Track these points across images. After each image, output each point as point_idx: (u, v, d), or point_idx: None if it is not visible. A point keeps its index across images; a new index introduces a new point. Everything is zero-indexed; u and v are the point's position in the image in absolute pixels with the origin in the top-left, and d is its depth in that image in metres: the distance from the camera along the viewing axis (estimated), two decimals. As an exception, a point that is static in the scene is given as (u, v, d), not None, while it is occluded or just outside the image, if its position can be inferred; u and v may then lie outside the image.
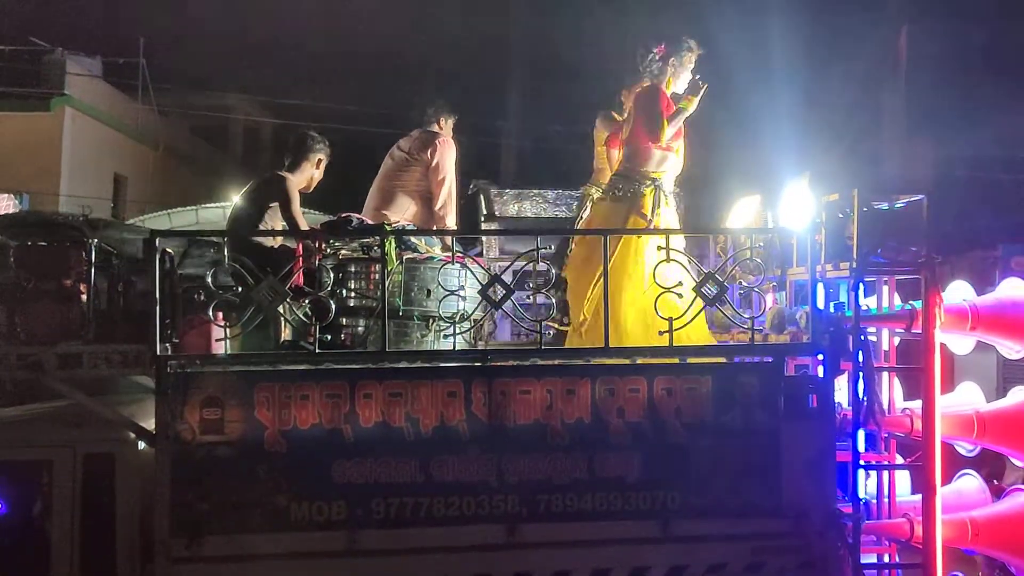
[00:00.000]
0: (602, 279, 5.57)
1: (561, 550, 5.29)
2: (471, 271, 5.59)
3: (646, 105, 6.53)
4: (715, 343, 6.14)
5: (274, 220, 6.37)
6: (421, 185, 6.97)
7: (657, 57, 6.62)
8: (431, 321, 5.73)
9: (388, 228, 6.16)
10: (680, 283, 5.53)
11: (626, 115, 6.85)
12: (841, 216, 5.85)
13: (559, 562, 5.29)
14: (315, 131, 6.98)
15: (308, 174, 6.73)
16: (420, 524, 5.23)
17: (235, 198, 11.57)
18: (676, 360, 5.55)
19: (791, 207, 6.42)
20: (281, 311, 5.39)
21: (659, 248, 5.60)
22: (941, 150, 19.84)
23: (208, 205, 17.86)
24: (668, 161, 6.55)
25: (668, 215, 6.49)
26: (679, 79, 6.67)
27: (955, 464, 6.33)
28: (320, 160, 6.77)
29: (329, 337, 5.49)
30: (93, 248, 5.59)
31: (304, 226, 6.31)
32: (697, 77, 6.65)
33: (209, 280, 5.17)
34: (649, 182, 6.48)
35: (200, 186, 20.80)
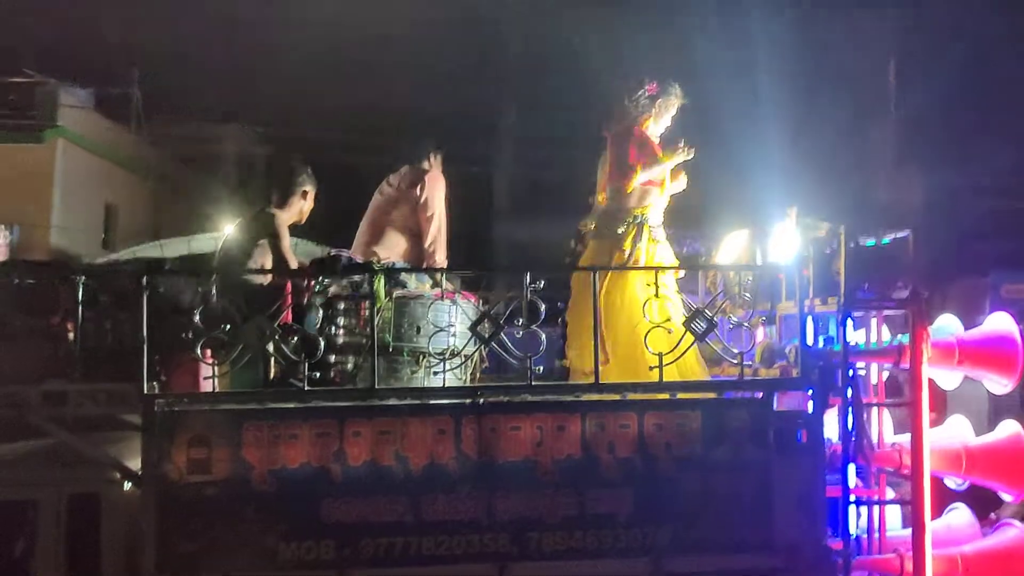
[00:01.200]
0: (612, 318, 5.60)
1: (552, 588, 5.27)
2: (461, 307, 5.59)
3: (619, 146, 6.61)
4: (706, 378, 6.13)
5: (264, 257, 6.36)
6: (410, 221, 6.94)
7: (647, 94, 6.68)
8: (421, 357, 5.72)
9: (377, 266, 6.19)
10: (669, 319, 5.54)
11: (605, 154, 6.89)
12: (828, 252, 5.88)
13: (550, 600, 5.27)
14: (301, 162, 6.95)
15: (297, 208, 6.72)
16: (410, 563, 5.20)
17: (227, 229, 11.61)
18: (666, 396, 5.55)
19: (780, 242, 6.44)
20: (270, 349, 5.36)
21: (647, 284, 5.61)
22: (930, 178, 19.99)
23: (200, 235, 17.88)
24: (651, 196, 6.59)
25: (656, 250, 6.51)
26: (660, 120, 6.78)
27: (946, 497, 6.33)
28: (307, 192, 6.76)
29: (318, 374, 5.47)
30: (81, 286, 5.61)
31: (294, 263, 6.30)
32: (683, 141, 6.71)
33: (198, 318, 5.16)
34: (631, 219, 6.51)
35: (192, 216, 20.79)
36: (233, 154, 22.78)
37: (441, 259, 6.91)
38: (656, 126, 6.78)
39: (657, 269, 5.78)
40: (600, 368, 5.56)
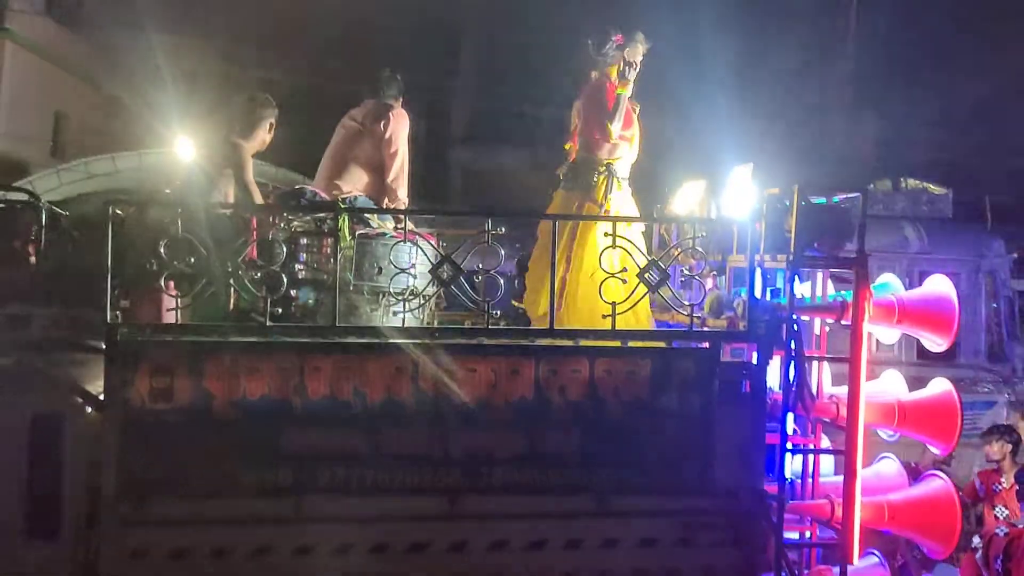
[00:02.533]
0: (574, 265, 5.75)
1: (500, 522, 5.49)
2: (421, 249, 5.70)
3: (594, 99, 6.76)
4: (657, 328, 6.33)
5: (228, 186, 6.40)
6: (373, 156, 6.99)
7: (615, 45, 6.80)
8: (381, 296, 5.84)
9: (342, 203, 6.27)
10: (624, 269, 5.71)
11: (577, 106, 7.00)
12: (780, 207, 6.05)
13: (497, 533, 5.49)
14: (263, 92, 6.96)
15: (260, 138, 6.75)
16: (365, 493, 5.38)
17: (183, 148, 11.51)
18: (617, 343, 5.74)
19: (734, 195, 6.61)
20: (233, 283, 5.45)
21: (606, 234, 5.77)
22: (886, 125, 20.31)
23: (152, 150, 17.66)
24: (620, 148, 6.75)
25: (620, 200, 6.69)
26: (632, 69, 6.85)
27: (877, 447, 6.65)
28: (272, 123, 6.79)
29: (280, 310, 5.57)
30: (44, 210, 5.63)
31: (257, 194, 6.35)
32: (624, 54, 6.82)
33: (162, 250, 5.22)
34: (603, 168, 6.67)
35: (144, 128, 20.46)
36: (188, 67, 22.31)
37: (403, 195, 7.00)
38: (629, 75, 6.86)
39: (615, 220, 5.92)
40: (558, 314, 5.73)
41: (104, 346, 5.24)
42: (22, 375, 5.47)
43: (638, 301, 5.72)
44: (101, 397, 5.35)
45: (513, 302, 6.93)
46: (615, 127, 6.70)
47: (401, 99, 7.23)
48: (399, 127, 7.04)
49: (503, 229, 5.56)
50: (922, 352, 8.52)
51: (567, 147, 6.94)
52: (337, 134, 7.17)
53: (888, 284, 6.35)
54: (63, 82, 20.87)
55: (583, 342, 5.75)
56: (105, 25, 21.79)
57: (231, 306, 5.89)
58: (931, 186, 11.51)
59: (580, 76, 7.08)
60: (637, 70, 6.80)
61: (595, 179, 6.70)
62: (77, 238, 5.87)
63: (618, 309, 5.59)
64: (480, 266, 5.56)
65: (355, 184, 6.93)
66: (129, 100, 20.18)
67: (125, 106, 21.10)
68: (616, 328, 5.63)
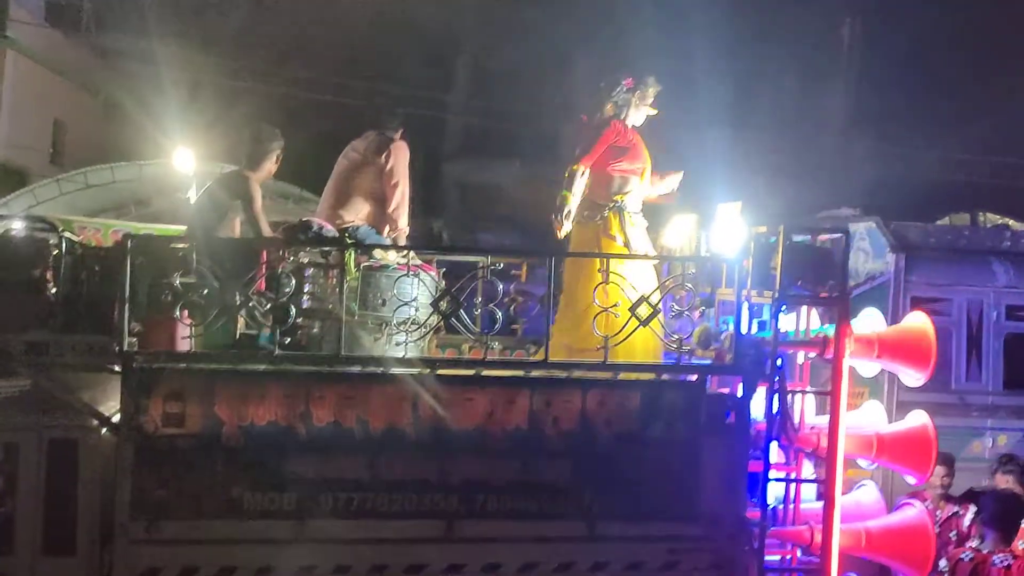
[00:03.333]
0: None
1: (494, 545, 5.76)
2: (423, 282, 5.96)
3: (590, 133, 7.06)
4: (648, 361, 6.58)
5: (235, 217, 6.66)
6: (375, 187, 7.23)
7: (625, 89, 7.17)
8: (384, 326, 6.10)
9: (347, 237, 6.54)
10: (617, 304, 5.98)
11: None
12: (766, 245, 6.32)
13: (492, 556, 5.75)
14: (269, 124, 7.21)
15: (267, 170, 7.00)
16: (365, 516, 5.64)
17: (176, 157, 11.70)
18: (609, 375, 6.00)
19: (723, 229, 6.87)
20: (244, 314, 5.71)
21: (599, 270, 6.04)
22: (881, 151, 20.60)
23: (150, 161, 17.86)
24: (630, 183, 7.07)
25: (634, 235, 6.99)
26: (639, 111, 7.29)
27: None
28: (278, 156, 7.04)
29: (288, 339, 5.81)
30: (63, 240, 5.89)
31: (265, 226, 6.60)
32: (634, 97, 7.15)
33: (176, 282, 5.48)
34: (612, 204, 6.98)
35: (143, 138, 20.68)
36: (188, 78, 22.52)
37: (404, 224, 7.25)
38: (638, 115, 7.31)
39: (609, 257, 6.21)
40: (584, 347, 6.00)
41: (120, 372, 5.50)
42: (40, 399, 5.71)
43: (630, 334, 5.97)
44: (115, 421, 5.61)
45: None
46: (580, 168, 7.03)
47: (401, 131, 7.48)
48: (400, 159, 7.29)
49: (502, 265, 5.82)
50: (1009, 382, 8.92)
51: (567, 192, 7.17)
52: (339, 165, 7.41)
53: (870, 319, 6.62)
54: (63, 90, 21.08)
55: (575, 374, 6.01)
56: (106, 33, 22.02)
57: (237, 331, 6.17)
58: (1012, 221, 11.81)
59: (591, 113, 7.39)
60: (646, 110, 7.23)
61: (606, 214, 7.03)
62: (93, 266, 6.09)
63: (613, 342, 5.85)
64: (479, 299, 5.82)
65: (357, 214, 7.18)
66: (129, 109, 20.42)
67: (125, 115, 21.34)
68: (608, 361, 5.89)
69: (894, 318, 8.04)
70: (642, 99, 7.24)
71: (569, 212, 7.01)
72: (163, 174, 17.71)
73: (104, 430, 5.66)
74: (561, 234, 7.04)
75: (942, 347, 8.22)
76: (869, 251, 9.19)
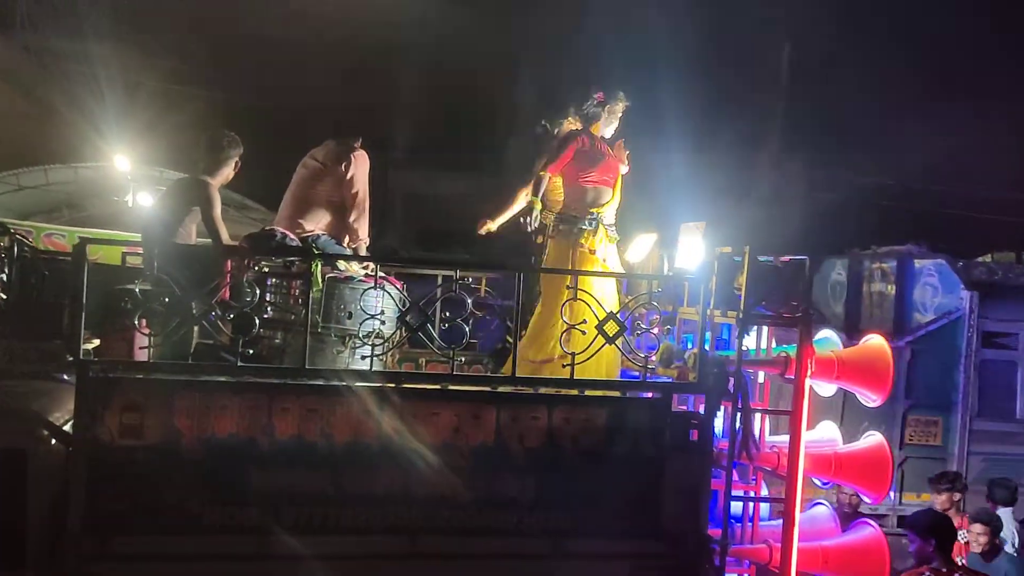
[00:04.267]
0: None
1: (459, 562, 5.68)
2: (389, 294, 5.87)
3: (557, 144, 7.06)
4: (614, 378, 6.58)
5: (192, 224, 6.51)
6: (334, 195, 7.14)
7: (595, 102, 7.19)
8: (348, 339, 6.00)
9: (305, 242, 6.43)
10: (584, 321, 5.97)
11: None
12: (729, 265, 6.36)
13: (455, 573, 5.68)
14: (229, 130, 7.08)
15: (226, 175, 6.87)
16: (328, 532, 5.52)
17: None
18: (575, 392, 5.98)
19: (686, 249, 6.92)
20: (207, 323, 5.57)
21: (567, 287, 6.02)
22: (813, 165, 21.04)
23: (86, 164, 17.49)
24: (604, 195, 7.08)
25: (611, 250, 7.00)
26: (609, 125, 7.34)
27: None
28: (237, 162, 6.91)
29: (252, 351, 5.69)
30: (16, 242, 5.69)
31: (224, 232, 6.46)
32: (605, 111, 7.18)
33: (137, 290, 5.33)
34: (590, 216, 6.99)
35: (78, 140, 20.21)
36: (126, 80, 22.08)
37: (364, 234, 7.17)
38: (606, 129, 7.37)
39: (576, 274, 6.20)
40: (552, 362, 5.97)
41: (75, 381, 5.32)
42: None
43: (596, 351, 5.96)
44: (68, 431, 5.42)
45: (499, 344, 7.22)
46: (542, 172, 7.10)
47: (360, 140, 7.39)
48: (360, 168, 7.21)
49: (470, 279, 5.77)
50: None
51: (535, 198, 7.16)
52: (298, 173, 7.30)
53: (827, 340, 6.70)
54: (-13, 87, 20.46)
55: (542, 390, 5.97)
56: (41, 32, 21.48)
57: (194, 340, 6.02)
58: None
59: (552, 120, 7.42)
60: (612, 125, 7.31)
61: (582, 227, 7.01)
62: (44, 271, 5.91)
63: (579, 359, 5.83)
64: (448, 313, 5.76)
65: (317, 223, 7.08)
66: (65, 110, 19.96)
67: (60, 116, 20.83)
68: (575, 377, 5.87)
69: (968, 352, 8.57)
70: (611, 113, 7.29)
71: (537, 216, 7.01)
72: (100, 177, 17.40)
73: (55, 441, 5.47)
74: (531, 229, 7.05)
75: (1007, 379, 8.84)
76: (938, 287, 10.03)
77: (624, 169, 7.41)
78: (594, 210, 7.06)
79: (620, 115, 7.35)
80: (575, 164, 7.08)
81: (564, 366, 5.90)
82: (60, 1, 21.86)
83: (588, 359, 5.85)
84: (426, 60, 21.21)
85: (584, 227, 7.02)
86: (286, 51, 21.17)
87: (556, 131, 7.50)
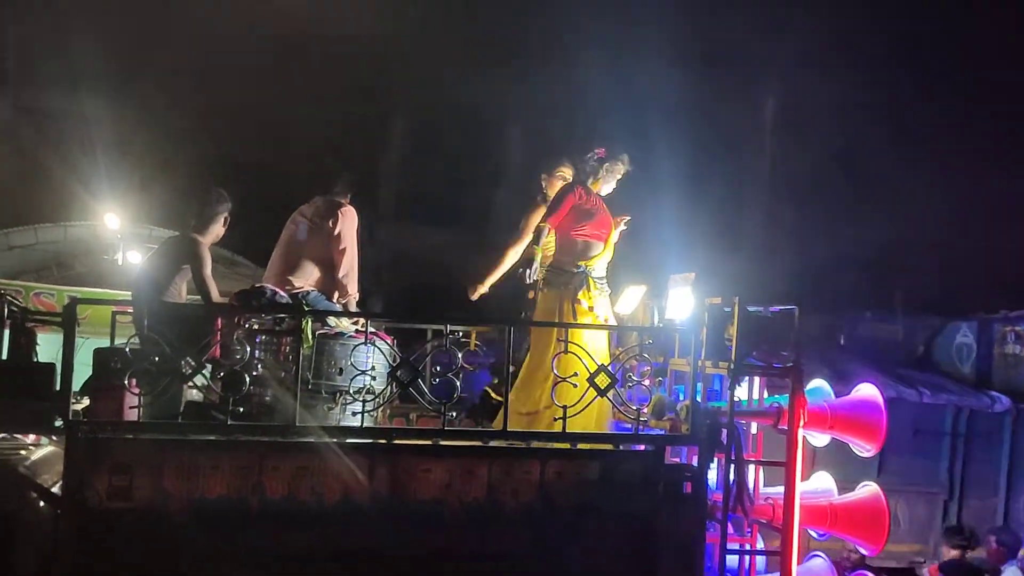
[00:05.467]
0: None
1: (453, 619, 5.62)
2: (379, 349, 5.86)
3: (555, 197, 7.13)
4: (606, 431, 6.54)
5: (183, 282, 6.50)
6: (324, 252, 7.12)
7: (596, 157, 7.20)
8: (338, 395, 5.96)
9: (295, 299, 6.42)
10: (576, 374, 5.96)
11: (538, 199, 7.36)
12: (720, 316, 6.36)
13: (450, 631, 5.62)
14: (218, 186, 7.09)
15: (216, 233, 6.87)
16: None
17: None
18: (567, 445, 5.95)
19: (676, 300, 6.93)
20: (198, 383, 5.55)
21: (559, 340, 6.02)
22: (800, 219, 21.17)
23: (75, 223, 17.50)
24: (594, 248, 7.06)
25: (600, 303, 6.98)
26: (606, 183, 7.30)
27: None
28: (226, 218, 6.91)
29: (241, 409, 5.65)
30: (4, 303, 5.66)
31: (215, 291, 6.44)
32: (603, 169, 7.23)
33: (128, 350, 5.31)
34: (578, 269, 6.98)
35: (67, 198, 20.24)
36: (114, 136, 22.19)
37: (353, 290, 7.15)
38: (604, 187, 7.31)
39: (567, 327, 6.20)
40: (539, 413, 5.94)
41: (64, 443, 5.28)
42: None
43: (588, 404, 5.94)
44: (57, 493, 5.36)
45: (487, 389, 7.18)
46: (543, 224, 7.10)
47: (349, 196, 7.40)
48: (348, 224, 7.20)
49: (461, 333, 5.76)
50: None
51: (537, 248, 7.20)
52: (287, 230, 7.28)
53: (820, 390, 6.69)
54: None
55: (534, 444, 5.94)
56: (32, 90, 21.60)
57: (183, 399, 5.98)
58: None
59: (541, 171, 7.48)
60: (609, 184, 7.30)
61: (572, 280, 6.98)
62: (35, 331, 5.88)
63: (571, 412, 5.80)
64: (438, 368, 5.74)
65: (306, 279, 7.05)
66: (55, 169, 20.03)
67: (51, 174, 20.90)
68: (568, 431, 5.84)
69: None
70: (609, 172, 7.24)
71: (537, 268, 7.03)
72: (89, 236, 17.37)
73: (43, 503, 5.42)
74: (529, 281, 7.06)
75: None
76: None
77: (615, 236, 7.43)
78: (583, 263, 7.04)
79: (619, 177, 7.30)
80: (570, 217, 7.07)
81: (555, 419, 5.87)
82: (50, 61, 22.01)
83: (579, 412, 5.82)
84: (414, 118, 21.41)
85: (572, 281, 6.99)
86: (274, 111, 21.34)
87: (544, 183, 7.54)
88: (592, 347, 6.40)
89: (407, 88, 21.66)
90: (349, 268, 7.12)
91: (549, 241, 7.25)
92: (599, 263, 7.11)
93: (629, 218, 7.41)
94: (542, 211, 7.33)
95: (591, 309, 6.92)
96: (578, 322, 6.75)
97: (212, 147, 20.94)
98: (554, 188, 7.52)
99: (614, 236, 7.21)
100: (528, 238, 7.34)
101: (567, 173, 7.46)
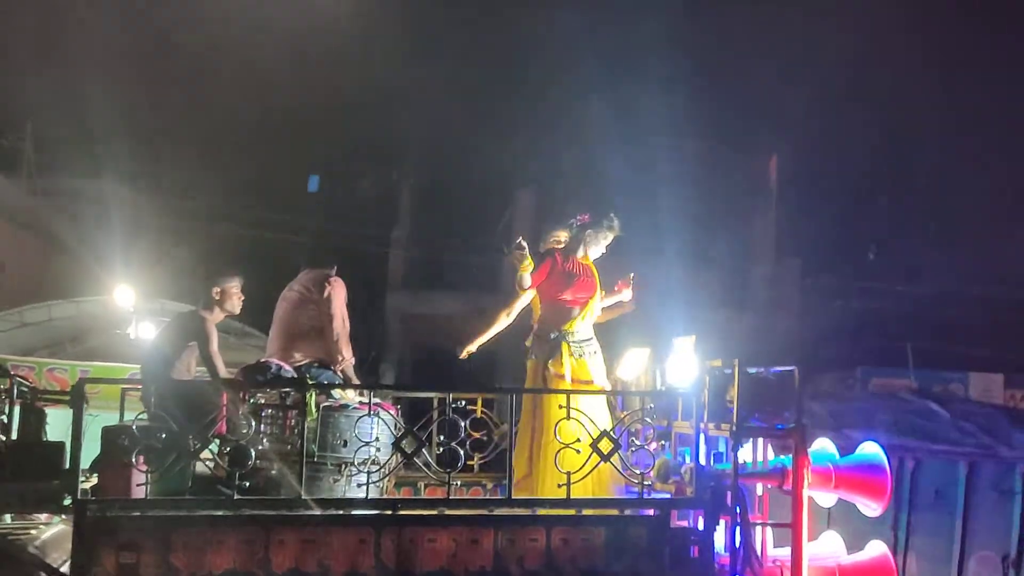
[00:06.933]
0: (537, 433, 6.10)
1: None
2: (383, 420, 5.92)
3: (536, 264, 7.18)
4: (610, 496, 6.56)
5: (190, 357, 6.62)
6: (319, 321, 7.25)
7: (578, 223, 7.27)
8: (344, 467, 6.02)
9: (299, 372, 6.51)
10: (579, 439, 6.00)
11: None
12: (721, 378, 6.41)
13: None
14: (224, 263, 7.24)
15: (228, 307, 7.00)
16: None
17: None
18: (573, 512, 5.97)
19: (678, 363, 6.98)
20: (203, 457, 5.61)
21: (560, 407, 6.08)
22: (806, 276, 21.28)
23: (88, 298, 17.69)
24: (571, 314, 7.12)
25: (579, 365, 7.02)
26: (591, 248, 7.32)
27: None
28: (234, 289, 7.04)
29: (248, 483, 5.71)
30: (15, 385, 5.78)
31: (221, 366, 6.55)
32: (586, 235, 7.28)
33: (135, 428, 5.39)
34: (556, 335, 7.03)
35: (81, 275, 20.50)
36: (131, 216, 22.53)
37: (348, 354, 7.24)
38: (590, 251, 7.33)
39: (569, 393, 6.25)
40: (527, 481, 5.96)
41: (73, 522, 5.33)
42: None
43: (591, 471, 5.97)
44: (64, 571, 5.41)
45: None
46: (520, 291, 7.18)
47: (335, 268, 7.54)
48: (337, 293, 7.36)
49: (464, 403, 5.83)
50: None
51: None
52: (280, 306, 7.40)
53: (824, 450, 6.70)
54: (1, 231, 20.85)
55: (540, 511, 5.97)
56: (49, 175, 22.01)
57: (192, 473, 6.04)
58: None
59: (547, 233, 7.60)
60: (598, 248, 7.31)
61: (551, 347, 7.04)
62: (43, 410, 5.98)
63: (574, 479, 5.84)
64: (443, 437, 5.80)
65: (307, 352, 7.16)
66: (70, 247, 20.34)
67: (66, 252, 21.20)
68: (573, 497, 5.87)
69: None
70: (594, 239, 7.27)
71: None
72: (101, 311, 17.54)
73: (53, 583, 5.46)
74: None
75: None
76: None
77: (627, 296, 7.48)
78: (563, 327, 7.07)
79: (606, 242, 7.31)
80: (548, 283, 7.15)
81: (559, 486, 5.90)
82: (68, 145, 22.44)
83: (582, 479, 5.86)
84: (420, 184, 21.69)
85: (547, 347, 7.04)
86: (284, 188, 21.67)
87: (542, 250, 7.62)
88: (589, 412, 6.45)
89: (422, 156, 21.95)
90: (340, 333, 7.23)
91: (536, 305, 7.34)
92: (579, 326, 7.15)
93: (634, 275, 7.47)
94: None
95: (561, 376, 6.94)
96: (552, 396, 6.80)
97: (226, 221, 21.24)
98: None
99: (596, 299, 7.24)
100: (519, 300, 7.40)
101: (561, 238, 7.55)
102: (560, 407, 6.09)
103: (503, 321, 7.41)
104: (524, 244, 7.01)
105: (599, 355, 7.25)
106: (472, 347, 7.40)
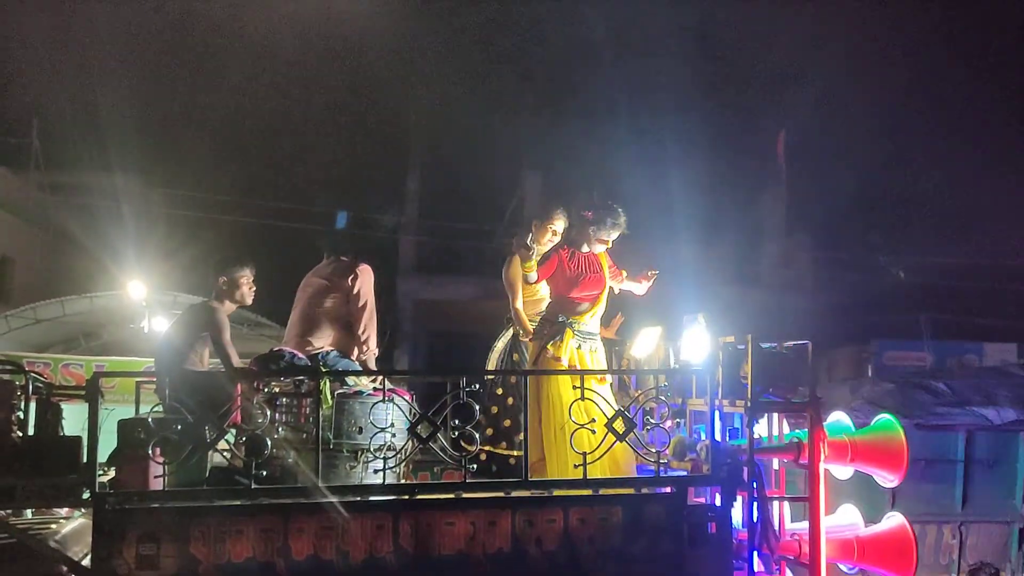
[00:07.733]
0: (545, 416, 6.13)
1: (482, 674, 5.62)
2: (398, 406, 5.93)
3: (542, 257, 7.24)
4: (629, 475, 6.57)
5: (203, 348, 6.63)
6: (342, 311, 7.22)
7: (584, 219, 7.24)
8: (360, 453, 6.04)
9: (315, 359, 6.51)
10: (594, 420, 6.00)
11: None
12: (734, 354, 6.40)
13: None
14: (234, 254, 7.24)
15: (238, 297, 7.01)
16: None
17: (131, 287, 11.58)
18: (589, 492, 5.98)
19: (691, 342, 6.97)
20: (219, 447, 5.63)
21: (574, 387, 6.08)
22: (819, 250, 21.22)
23: (101, 293, 17.74)
24: (580, 307, 7.12)
25: (587, 352, 7.02)
26: (599, 244, 7.31)
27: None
28: (243, 279, 7.04)
29: (265, 473, 5.72)
30: (30, 380, 5.79)
31: (235, 356, 6.57)
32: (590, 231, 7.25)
33: (150, 420, 5.41)
34: (560, 323, 7.03)
35: (93, 270, 20.58)
36: (141, 210, 22.57)
37: (373, 345, 7.25)
38: (593, 247, 7.30)
39: (582, 373, 6.25)
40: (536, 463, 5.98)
41: (92, 515, 5.36)
42: (6, 547, 5.54)
43: (607, 450, 5.98)
44: (87, 566, 5.44)
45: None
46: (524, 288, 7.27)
47: (359, 254, 7.52)
48: (366, 281, 7.32)
49: (477, 386, 5.83)
50: None
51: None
52: (302, 293, 7.38)
53: (839, 423, 6.69)
54: (10, 226, 20.94)
55: (556, 492, 5.97)
56: (57, 169, 22.05)
57: (209, 464, 6.06)
58: None
59: (534, 218, 7.62)
60: (601, 245, 7.28)
61: (555, 333, 7.04)
62: (60, 406, 6.00)
63: (590, 459, 5.84)
64: (457, 421, 5.80)
65: (325, 340, 7.16)
66: (81, 241, 20.40)
67: (76, 247, 21.26)
68: (588, 477, 5.88)
69: None
70: (596, 234, 7.22)
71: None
72: (115, 306, 17.61)
73: (74, 576, 5.50)
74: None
75: None
76: None
77: (641, 289, 7.47)
78: (573, 319, 7.08)
79: (612, 238, 7.26)
80: (554, 281, 7.16)
81: (576, 466, 5.91)
82: (75, 138, 22.47)
83: (598, 459, 5.86)
84: (431, 168, 21.67)
85: (551, 330, 7.05)
86: (297, 176, 21.66)
87: (535, 228, 7.58)
88: (567, 398, 6.49)
89: (433, 142, 21.94)
90: (368, 324, 7.22)
91: (541, 293, 7.35)
92: (587, 319, 7.16)
93: (653, 271, 7.45)
94: (517, 263, 7.35)
95: (558, 360, 6.94)
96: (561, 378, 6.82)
97: (239, 211, 21.29)
98: (543, 236, 7.56)
99: (604, 294, 7.24)
100: (519, 293, 7.44)
101: (559, 223, 7.51)
102: (575, 387, 6.09)
103: (521, 310, 7.39)
104: (532, 246, 7.02)
105: (600, 353, 7.25)
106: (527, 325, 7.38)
